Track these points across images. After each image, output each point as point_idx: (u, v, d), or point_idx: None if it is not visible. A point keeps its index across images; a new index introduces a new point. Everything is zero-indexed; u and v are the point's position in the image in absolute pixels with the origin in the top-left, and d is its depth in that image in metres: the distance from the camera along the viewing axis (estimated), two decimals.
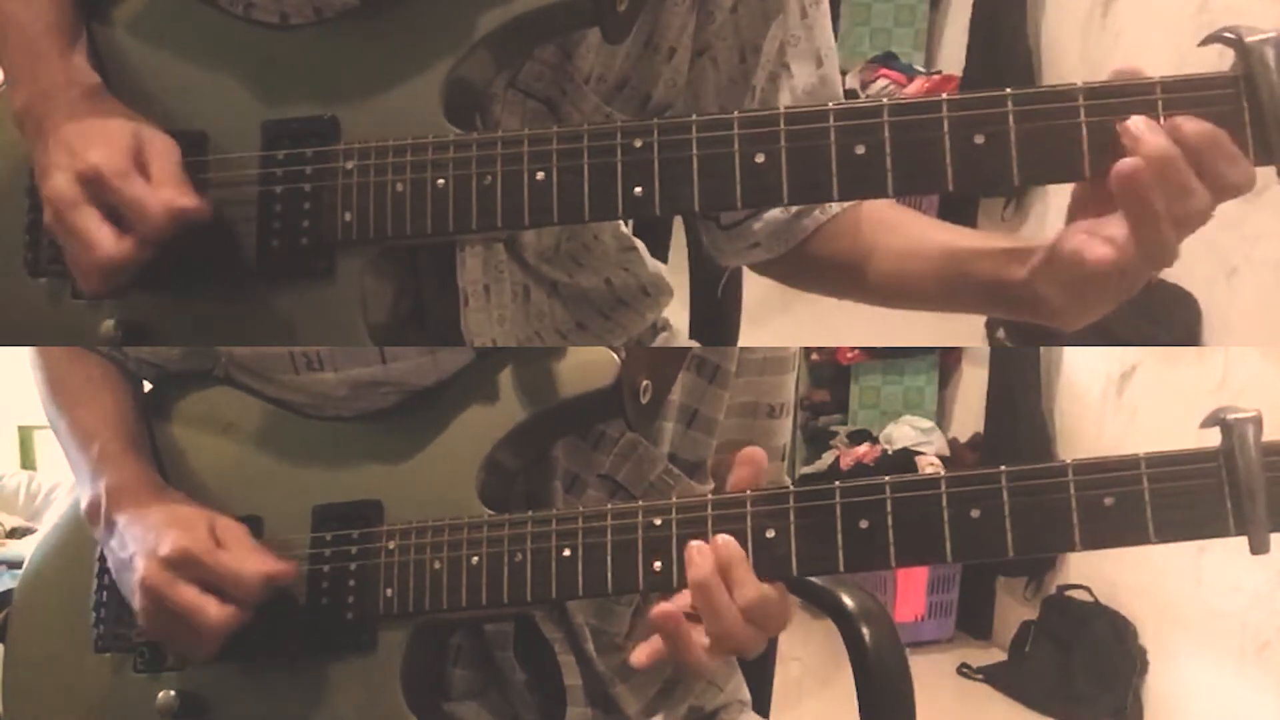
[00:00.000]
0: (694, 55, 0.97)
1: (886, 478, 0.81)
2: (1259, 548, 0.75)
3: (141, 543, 0.90)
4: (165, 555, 0.87)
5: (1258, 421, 0.76)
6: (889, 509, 0.80)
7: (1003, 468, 0.79)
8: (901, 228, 0.98)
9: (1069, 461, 0.78)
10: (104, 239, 0.83)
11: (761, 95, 0.98)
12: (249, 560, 0.89)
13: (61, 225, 0.85)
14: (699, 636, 0.81)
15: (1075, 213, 0.80)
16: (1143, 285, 0.81)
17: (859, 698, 1.15)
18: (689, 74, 0.98)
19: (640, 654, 0.83)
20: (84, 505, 0.96)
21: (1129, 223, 0.76)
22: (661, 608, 0.81)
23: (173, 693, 0.94)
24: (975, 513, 0.79)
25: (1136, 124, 0.75)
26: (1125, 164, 0.75)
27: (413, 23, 0.88)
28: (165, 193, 0.84)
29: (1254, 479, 0.75)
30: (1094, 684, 2.98)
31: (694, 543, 0.83)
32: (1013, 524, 0.78)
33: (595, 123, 0.91)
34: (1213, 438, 0.77)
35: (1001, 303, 0.89)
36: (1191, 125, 0.75)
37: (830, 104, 0.80)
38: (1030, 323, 0.90)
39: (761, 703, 1.21)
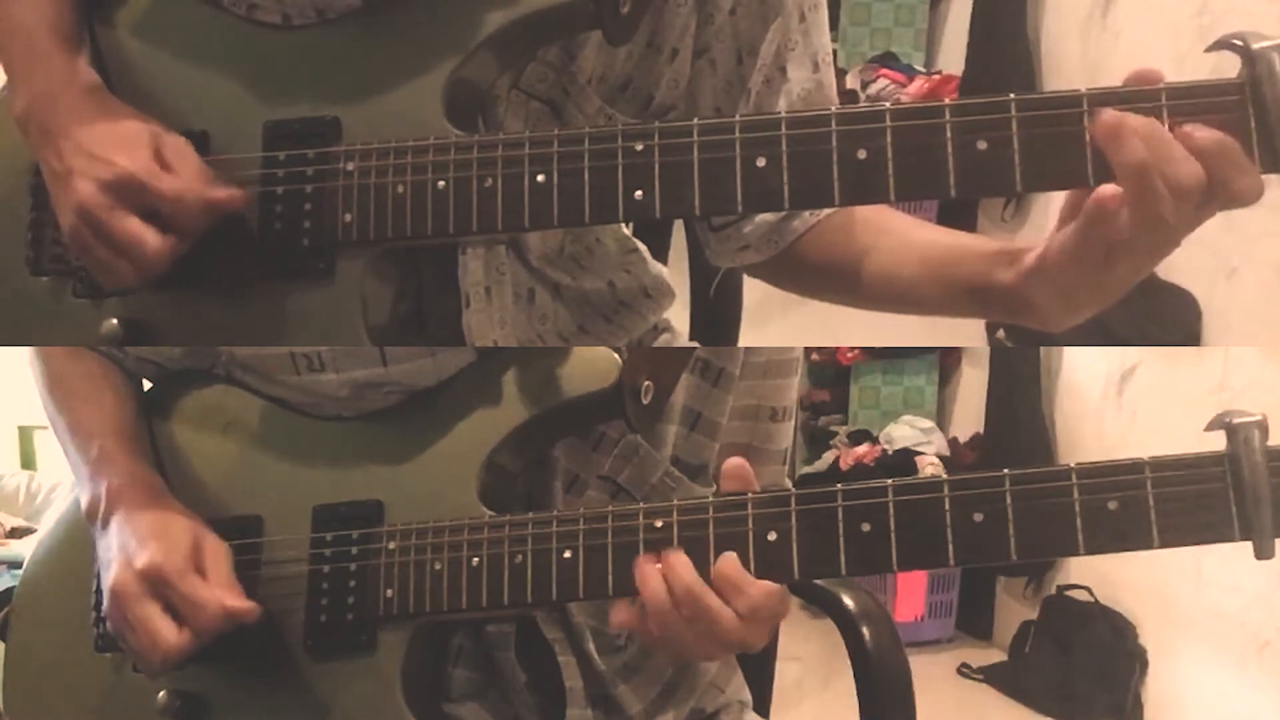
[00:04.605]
0: (693, 56, 0.97)
1: (889, 481, 0.81)
2: (1264, 553, 0.75)
3: (124, 549, 0.90)
4: (139, 568, 0.88)
5: (1263, 426, 0.76)
6: (891, 512, 0.80)
7: (1006, 471, 0.79)
8: (892, 231, 0.97)
9: (1072, 465, 0.78)
10: (150, 239, 0.84)
11: (756, 99, 0.98)
12: (214, 592, 0.89)
13: (96, 232, 0.85)
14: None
15: (1068, 217, 0.80)
16: (1133, 284, 0.80)
17: (859, 698, 1.15)
18: (690, 77, 0.98)
19: (619, 611, 0.84)
20: (84, 505, 0.96)
21: (1131, 198, 0.75)
22: (652, 590, 0.83)
23: (173, 691, 0.94)
24: (978, 516, 0.79)
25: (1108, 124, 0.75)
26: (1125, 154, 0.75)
27: (415, 24, 0.88)
28: (198, 187, 0.85)
29: (1259, 484, 0.75)
30: (1094, 684, 2.98)
31: (643, 564, 0.83)
32: (1015, 528, 0.78)
33: (597, 126, 0.91)
34: (1216, 441, 0.77)
35: (990, 305, 0.89)
36: (1202, 134, 0.74)
37: (832, 108, 0.80)
38: (977, 318, 0.90)
39: (762, 703, 1.21)
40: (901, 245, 0.96)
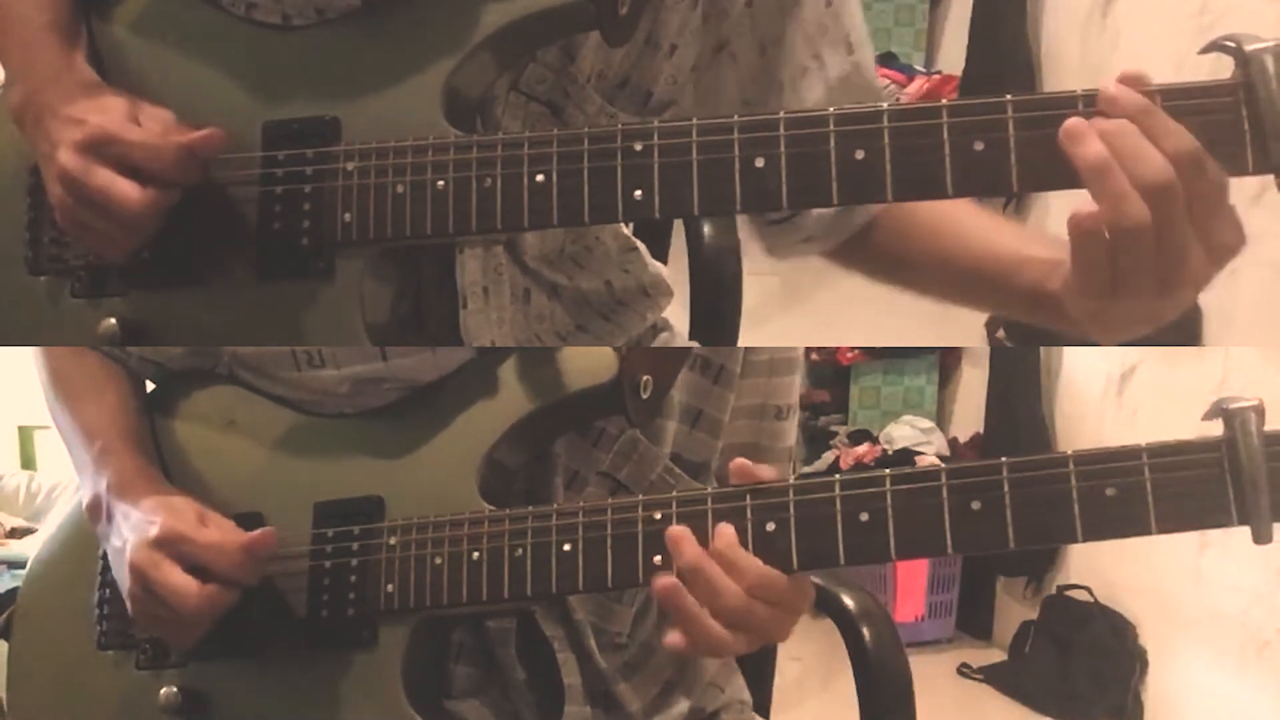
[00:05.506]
0: (712, 51, 0.97)
1: (887, 470, 0.81)
2: (1261, 538, 0.75)
3: (133, 530, 0.91)
4: (153, 538, 0.89)
5: (1260, 410, 0.76)
6: (889, 501, 0.80)
7: (1003, 459, 0.79)
8: (951, 226, 0.97)
9: (1070, 452, 0.78)
10: (127, 190, 0.84)
11: (793, 88, 0.98)
12: (230, 536, 0.90)
13: (77, 193, 0.85)
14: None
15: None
16: (1169, 312, 0.79)
17: (859, 698, 1.16)
18: (710, 71, 0.98)
19: (671, 636, 0.83)
20: (86, 502, 0.97)
21: (1096, 199, 0.75)
22: (662, 580, 0.82)
23: (175, 689, 0.94)
24: (976, 504, 0.79)
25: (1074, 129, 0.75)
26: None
27: (414, 24, 0.88)
28: (171, 132, 0.86)
29: (1256, 468, 0.75)
30: (1094, 684, 2.98)
31: (673, 528, 0.83)
32: (1013, 515, 0.78)
33: (598, 125, 0.91)
34: (1215, 431, 0.77)
35: (1040, 311, 0.89)
36: (1169, 140, 0.74)
37: (830, 109, 0.80)
38: (1034, 324, 0.90)
39: (762, 703, 1.22)
40: (959, 244, 0.96)
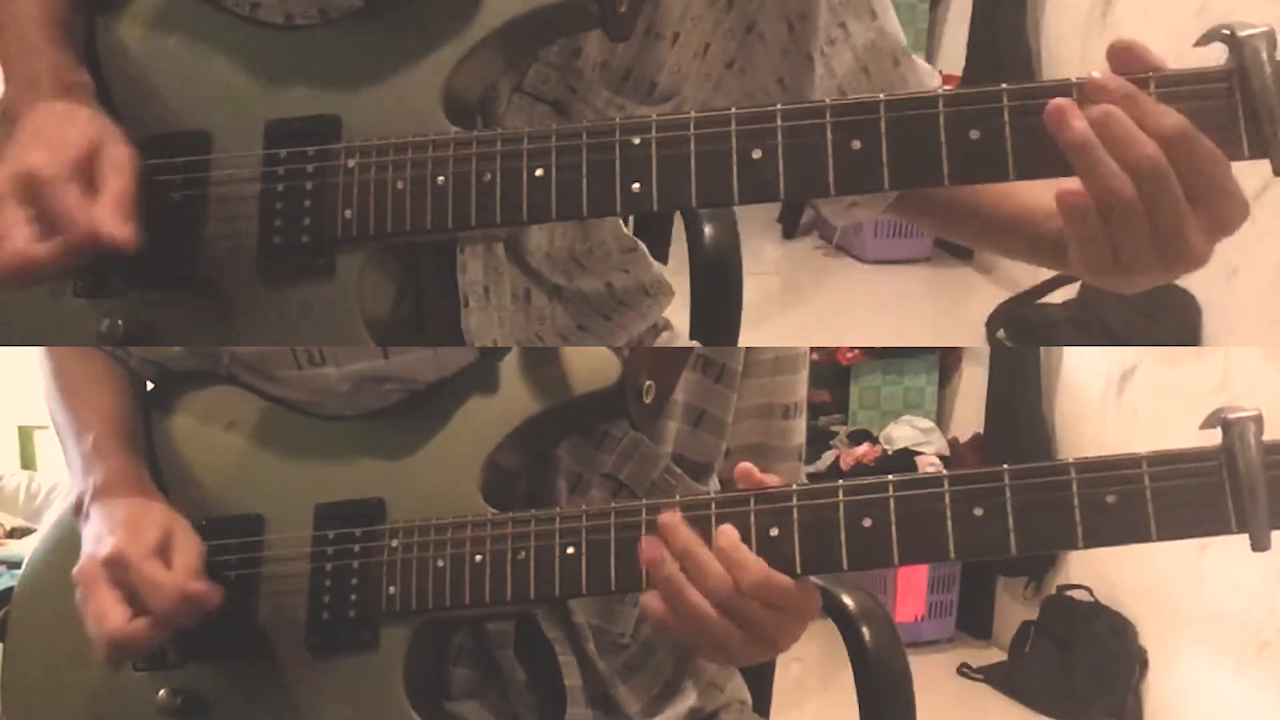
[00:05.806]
0: (743, 32, 0.97)
1: (890, 476, 0.81)
2: (1260, 545, 0.76)
3: (95, 538, 0.90)
4: (102, 555, 0.88)
5: (1258, 420, 0.77)
6: (892, 507, 0.81)
7: (1005, 466, 0.80)
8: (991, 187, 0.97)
9: (1071, 460, 0.79)
10: (17, 235, 0.80)
11: (825, 60, 0.98)
12: (173, 576, 0.88)
13: None
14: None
15: None
16: (1180, 271, 0.79)
17: (859, 698, 1.15)
18: (742, 52, 0.98)
19: (649, 597, 0.83)
20: (72, 499, 0.97)
21: (1081, 179, 0.76)
22: (648, 547, 0.82)
23: (173, 690, 0.94)
24: (978, 511, 0.79)
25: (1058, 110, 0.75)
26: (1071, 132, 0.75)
27: (415, 23, 0.88)
28: (99, 212, 0.80)
29: (1254, 477, 0.76)
30: (1094, 684, 2.98)
31: (665, 515, 0.83)
32: (1015, 522, 0.79)
33: (605, 118, 0.91)
34: (1215, 438, 0.77)
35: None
36: (1164, 119, 0.74)
37: (827, 100, 0.81)
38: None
39: (761, 703, 1.21)
40: (1003, 199, 0.96)
